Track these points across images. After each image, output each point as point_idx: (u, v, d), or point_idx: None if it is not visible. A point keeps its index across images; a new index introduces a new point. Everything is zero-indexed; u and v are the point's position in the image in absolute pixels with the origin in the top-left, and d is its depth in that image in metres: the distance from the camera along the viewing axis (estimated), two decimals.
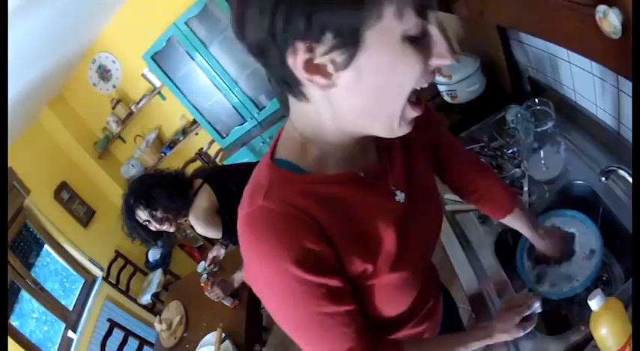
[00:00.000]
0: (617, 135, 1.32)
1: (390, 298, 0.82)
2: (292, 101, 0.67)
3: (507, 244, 1.45)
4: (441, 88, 2.00)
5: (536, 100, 1.37)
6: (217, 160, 4.10)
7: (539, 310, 1.00)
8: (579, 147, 1.47)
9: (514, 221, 1.17)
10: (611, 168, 1.07)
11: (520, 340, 1.07)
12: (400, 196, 0.78)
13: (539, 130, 1.36)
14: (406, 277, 0.80)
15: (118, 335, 3.03)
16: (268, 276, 0.68)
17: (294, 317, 0.71)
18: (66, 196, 4.07)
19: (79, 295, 3.76)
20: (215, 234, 1.99)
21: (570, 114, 1.52)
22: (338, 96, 0.60)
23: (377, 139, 0.75)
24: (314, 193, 0.68)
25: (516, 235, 1.39)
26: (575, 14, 0.60)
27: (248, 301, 2.30)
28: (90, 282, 3.88)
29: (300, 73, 0.56)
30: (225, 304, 2.27)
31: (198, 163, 3.87)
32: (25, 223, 3.64)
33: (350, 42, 0.54)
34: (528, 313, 0.98)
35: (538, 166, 1.47)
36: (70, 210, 4.03)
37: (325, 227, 0.67)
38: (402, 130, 0.65)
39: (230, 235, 2.02)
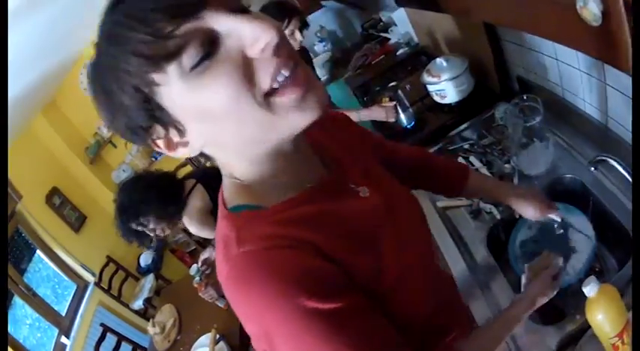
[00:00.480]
0: (605, 129, 1.32)
1: (413, 296, 0.73)
2: None
3: (499, 238, 1.44)
4: (430, 88, 2.00)
5: (525, 97, 1.37)
6: (208, 164, 4.03)
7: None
8: (568, 142, 1.48)
9: (477, 191, 1.18)
10: (600, 158, 1.07)
11: (516, 331, 1.06)
12: (364, 191, 0.73)
13: (527, 125, 1.36)
14: (416, 264, 0.75)
15: (111, 340, 2.98)
16: (280, 324, 0.56)
17: None
18: (57, 201, 4.01)
19: (72, 300, 3.70)
20: (209, 234, 1.97)
21: (558, 110, 1.52)
22: (208, 146, 0.60)
23: (319, 152, 0.73)
24: (284, 220, 0.61)
25: (508, 228, 1.40)
26: (557, 6, 0.61)
27: None
28: (82, 287, 3.82)
29: (167, 152, 0.59)
30: (219, 305, 2.23)
31: (188, 168, 3.83)
32: (17, 228, 3.59)
33: (163, 124, 0.56)
34: (557, 271, 1.00)
35: (527, 161, 1.47)
36: (61, 215, 3.97)
37: (316, 244, 0.59)
38: (297, 117, 0.56)
39: None
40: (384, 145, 1.06)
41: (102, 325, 3.09)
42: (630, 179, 1.02)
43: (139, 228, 1.83)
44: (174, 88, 0.52)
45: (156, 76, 0.51)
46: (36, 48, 2.60)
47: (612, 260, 1.36)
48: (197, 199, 1.90)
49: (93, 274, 3.88)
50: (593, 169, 1.11)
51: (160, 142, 0.58)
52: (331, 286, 0.58)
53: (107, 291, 3.78)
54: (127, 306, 3.81)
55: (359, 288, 0.62)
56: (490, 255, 1.35)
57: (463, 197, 1.26)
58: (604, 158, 1.06)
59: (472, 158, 1.70)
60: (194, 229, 1.95)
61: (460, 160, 1.74)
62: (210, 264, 2.49)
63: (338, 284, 0.59)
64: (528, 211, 1.14)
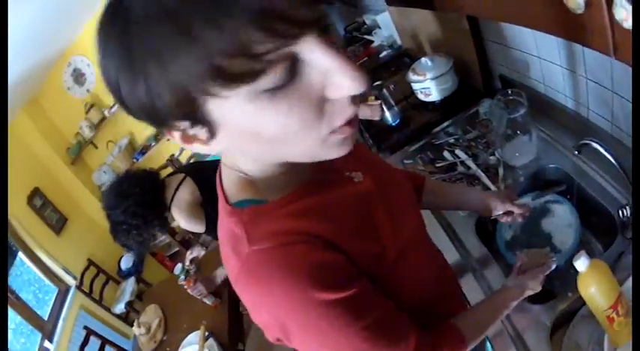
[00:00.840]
0: (586, 121, 1.37)
1: (411, 278, 0.76)
2: None
3: (486, 228, 1.47)
4: (415, 86, 2.03)
5: (509, 91, 1.41)
6: (192, 161, 3.98)
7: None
8: (551, 134, 1.52)
9: (437, 197, 1.15)
10: (583, 142, 1.10)
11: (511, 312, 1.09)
12: (357, 176, 0.74)
13: (512, 117, 1.39)
14: (411, 245, 0.77)
15: (94, 345, 2.91)
16: (298, 317, 0.58)
17: (347, 343, 0.62)
18: (39, 202, 3.90)
19: (54, 304, 3.59)
20: (199, 228, 1.93)
21: (540, 105, 1.57)
22: (231, 150, 0.59)
23: None
24: (290, 213, 0.61)
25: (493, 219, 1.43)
26: None
27: (229, 300, 2.24)
28: (63, 291, 3.71)
29: (181, 143, 0.53)
30: (207, 302, 2.20)
31: (169, 170, 3.75)
32: None
33: (196, 123, 0.49)
34: (548, 271, 1.03)
35: (512, 152, 1.51)
36: (43, 217, 3.86)
37: (324, 236, 0.61)
38: (334, 151, 0.54)
39: (214, 228, 1.96)
40: None
41: (85, 328, 3.00)
42: (613, 161, 1.05)
43: (134, 232, 1.78)
44: (235, 103, 0.45)
45: (218, 90, 0.43)
46: (19, 44, 2.54)
47: (598, 245, 1.40)
48: (186, 193, 1.87)
49: (74, 278, 3.77)
50: (576, 153, 1.15)
51: (177, 134, 0.51)
52: (342, 276, 0.60)
53: (89, 294, 3.69)
54: (108, 310, 3.72)
55: (363, 273, 0.64)
56: (481, 243, 1.38)
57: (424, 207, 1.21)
58: (587, 142, 1.09)
59: (458, 151, 1.73)
60: (183, 223, 1.91)
61: (446, 154, 1.76)
62: (197, 263, 2.46)
63: (348, 273, 0.61)
64: (496, 205, 1.14)
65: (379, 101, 2.06)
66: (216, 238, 2.17)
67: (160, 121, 0.49)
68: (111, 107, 4.11)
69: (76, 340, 3.19)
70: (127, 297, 3.71)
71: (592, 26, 0.62)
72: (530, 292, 0.99)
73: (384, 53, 2.78)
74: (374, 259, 0.67)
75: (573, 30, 0.66)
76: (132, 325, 2.56)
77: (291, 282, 0.56)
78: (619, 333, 0.89)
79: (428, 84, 1.95)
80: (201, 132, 0.50)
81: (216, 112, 0.47)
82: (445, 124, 1.95)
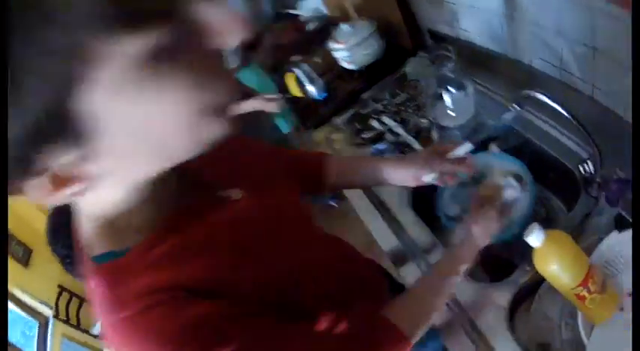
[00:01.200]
0: (529, 68, 1.19)
1: (315, 292, 0.64)
2: None
3: (425, 196, 1.24)
4: (337, 55, 1.82)
5: (434, 47, 1.21)
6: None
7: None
8: (489, 87, 1.34)
9: (345, 175, 0.95)
10: (525, 93, 0.91)
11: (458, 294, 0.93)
12: (235, 194, 0.62)
13: (439, 72, 1.20)
14: (308, 261, 0.66)
15: None
16: None
17: None
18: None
19: (38, 339, 3.35)
20: None
21: (476, 58, 1.38)
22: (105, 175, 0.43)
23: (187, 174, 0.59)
24: (148, 265, 0.50)
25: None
26: None
27: None
28: (44, 324, 3.47)
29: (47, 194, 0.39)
30: None
31: None
32: None
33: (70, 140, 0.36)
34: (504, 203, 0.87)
35: (445, 112, 1.32)
36: (10, 253, 3.59)
37: (187, 285, 0.50)
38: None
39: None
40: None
41: None
42: (565, 113, 0.87)
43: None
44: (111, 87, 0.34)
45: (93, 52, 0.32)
46: None
47: (558, 202, 1.23)
48: None
49: (50, 307, 3.53)
50: (517, 107, 0.95)
51: (45, 179, 0.37)
52: (217, 328, 0.49)
53: (67, 321, 3.48)
54: (87, 332, 3.52)
55: (250, 302, 0.54)
56: (418, 218, 1.19)
57: (332, 190, 0.96)
58: (529, 94, 0.90)
59: (385, 118, 1.53)
60: None
61: (374, 123, 1.56)
62: None
63: (225, 321, 0.50)
64: (420, 170, 0.85)
65: (280, 95, 1.89)
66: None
67: (29, 159, 0.35)
68: None
69: None
70: None
71: None
72: (487, 241, 0.83)
73: (311, 25, 2.55)
74: (265, 282, 0.57)
75: None
76: None
77: (161, 349, 0.47)
78: (593, 311, 0.72)
79: (349, 51, 1.75)
80: (75, 158, 0.37)
81: (88, 107, 0.34)
82: (372, 89, 1.74)
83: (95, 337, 3.53)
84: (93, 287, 0.52)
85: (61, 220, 1.66)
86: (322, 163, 0.92)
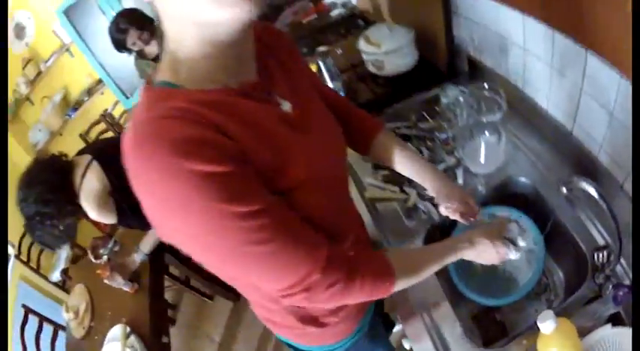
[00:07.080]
0: (569, 135, 1.07)
1: (315, 199, 0.68)
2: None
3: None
4: (366, 57, 1.66)
5: (485, 85, 1.06)
6: (122, 121, 3.60)
7: (516, 257, 0.87)
8: (525, 141, 1.20)
9: (387, 152, 0.99)
10: (577, 181, 0.80)
11: None
12: (285, 105, 0.68)
13: (485, 120, 1.04)
14: (324, 177, 0.70)
15: (33, 323, 2.68)
16: (172, 187, 0.51)
17: (233, 237, 0.55)
18: None
19: None
20: (110, 219, 1.65)
21: (515, 104, 1.23)
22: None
23: (257, 61, 0.67)
24: (197, 100, 0.56)
25: (446, 233, 1.14)
26: None
27: (150, 284, 1.95)
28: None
29: None
30: (125, 289, 1.92)
31: (102, 126, 3.41)
32: None
33: None
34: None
35: (475, 156, 1.18)
36: None
37: (219, 124, 0.55)
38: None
39: (127, 221, 1.68)
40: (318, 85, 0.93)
41: (23, 306, 2.75)
42: (601, 202, 0.78)
43: (48, 223, 1.58)
44: None
45: None
46: None
47: (560, 274, 1.15)
48: (94, 181, 1.57)
49: (12, 246, 3.39)
50: (564, 190, 0.82)
51: None
52: (220, 152, 0.53)
53: (27, 263, 3.34)
54: (46, 278, 3.39)
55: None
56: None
57: (372, 157, 1.02)
58: (579, 182, 0.80)
59: (410, 144, 1.39)
60: (94, 215, 1.62)
61: None
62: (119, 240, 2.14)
63: (229, 153, 0.54)
64: (447, 210, 0.97)
65: None
66: (128, 227, 1.91)
67: None
68: (47, 60, 3.65)
69: (18, 319, 2.85)
70: (61, 264, 3.41)
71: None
72: (485, 245, 0.84)
73: (335, 12, 2.37)
74: (273, 170, 0.61)
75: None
76: (69, 293, 2.35)
77: (163, 146, 0.50)
78: None
79: (382, 56, 1.58)
80: None
81: None
82: (398, 104, 1.57)
83: (53, 284, 3.39)
84: (138, 102, 0.59)
85: (32, 177, 1.55)
86: (377, 129, 1.00)
